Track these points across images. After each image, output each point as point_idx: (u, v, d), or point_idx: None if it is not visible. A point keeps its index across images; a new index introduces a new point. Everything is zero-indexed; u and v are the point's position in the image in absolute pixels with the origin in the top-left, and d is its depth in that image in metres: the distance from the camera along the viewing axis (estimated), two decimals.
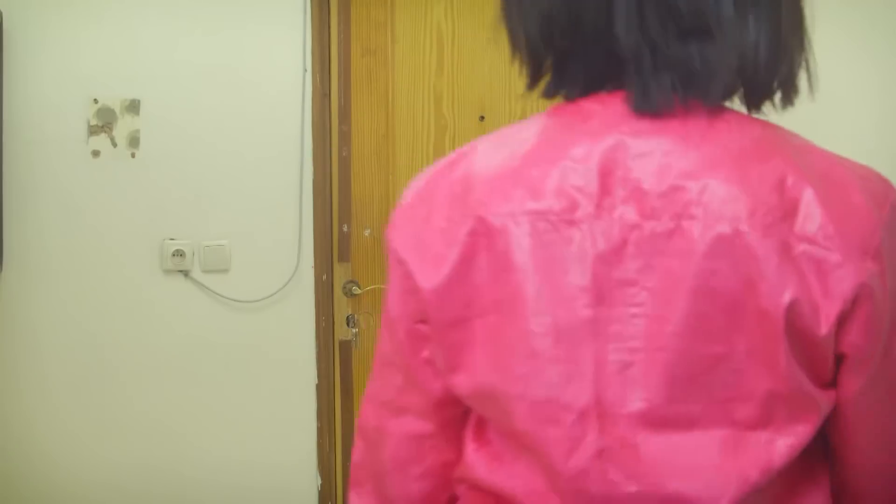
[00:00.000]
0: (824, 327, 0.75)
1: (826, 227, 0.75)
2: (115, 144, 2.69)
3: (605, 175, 0.79)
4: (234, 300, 2.82)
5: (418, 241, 0.85)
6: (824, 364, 0.78)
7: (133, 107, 2.70)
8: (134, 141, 2.71)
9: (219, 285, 2.81)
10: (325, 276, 2.90)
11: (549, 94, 0.87)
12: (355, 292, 2.93)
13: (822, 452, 0.85)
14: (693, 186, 0.77)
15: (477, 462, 0.88)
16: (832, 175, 0.79)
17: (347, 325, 2.95)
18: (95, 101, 2.67)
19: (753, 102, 0.84)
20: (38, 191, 2.64)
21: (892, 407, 0.81)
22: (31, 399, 2.67)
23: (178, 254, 2.75)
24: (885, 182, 0.80)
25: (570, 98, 0.85)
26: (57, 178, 2.66)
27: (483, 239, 0.81)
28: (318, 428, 2.93)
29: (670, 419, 0.78)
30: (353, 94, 2.94)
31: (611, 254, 0.77)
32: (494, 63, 3.03)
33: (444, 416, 0.92)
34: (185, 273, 2.78)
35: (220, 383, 2.82)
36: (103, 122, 2.67)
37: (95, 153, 2.68)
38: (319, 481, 2.93)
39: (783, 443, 0.78)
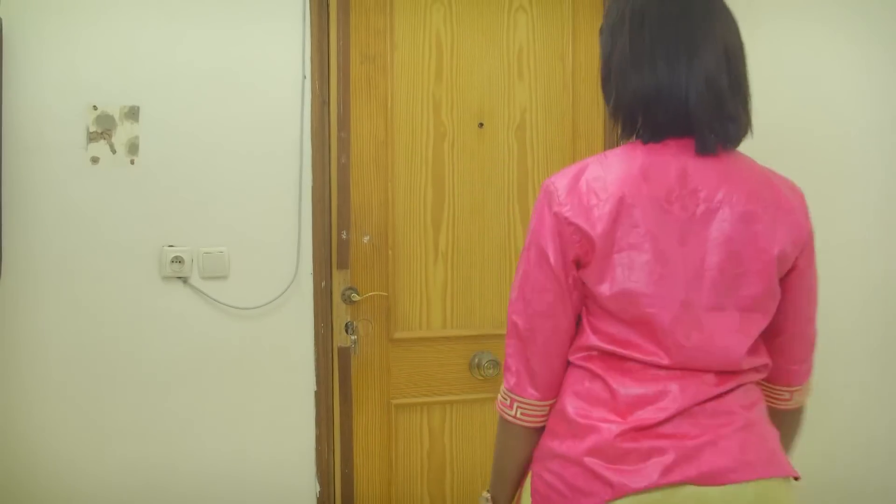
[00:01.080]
0: (794, 254, 1.56)
1: (794, 204, 1.56)
2: (114, 151, 2.69)
3: (681, 178, 1.51)
4: (233, 307, 2.82)
5: (581, 212, 1.51)
6: (781, 274, 1.56)
7: (132, 113, 2.70)
8: (133, 147, 2.71)
9: (218, 292, 2.81)
10: (323, 283, 2.90)
11: (644, 140, 1.57)
12: (354, 299, 2.93)
13: None
14: (726, 188, 1.51)
15: (599, 341, 1.55)
16: (783, 180, 1.61)
17: (346, 331, 2.95)
18: (95, 107, 2.67)
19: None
20: (37, 197, 2.63)
21: (807, 298, 1.65)
22: (30, 405, 2.66)
23: (177, 260, 2.74)
24: (795, 184, 1.64)
25: (657, 141, 1.55)
26: (56, 184, 2.65)
27: (623, 209, 1.49)
28: (316, 435, 2.92)
29: (716, 306, 1.51)
30: (353, 100, 2.94)
31: (687, 219, 1.50)
32: (493, 70, 3.04)
33: (573, 318, 1.59)
34: (184, 280, 2.77)
35: (218, 390, 2.82)
36: (102, 129, 2.67)
37: (94, 160, 2.67)
38: (318, 488, 2.93)
39: (766, 318, 1.57)
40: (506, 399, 1.65)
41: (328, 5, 2.90)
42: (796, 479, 1.56)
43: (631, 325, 1.53)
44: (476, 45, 3.05)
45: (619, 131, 1.62)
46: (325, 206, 2.89)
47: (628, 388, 1.51)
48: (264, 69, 2.84)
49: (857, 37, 3.06)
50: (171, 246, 2.75)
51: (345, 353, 2.94)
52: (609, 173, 1.54)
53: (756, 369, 1.60)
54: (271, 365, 2.87)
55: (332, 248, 2.92)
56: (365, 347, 2.98)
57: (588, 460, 1.49)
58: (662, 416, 1.48)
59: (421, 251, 3.02)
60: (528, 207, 3.12)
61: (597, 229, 1.50)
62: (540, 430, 1.63)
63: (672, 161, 1.53)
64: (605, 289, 1.52)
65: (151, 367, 2.76)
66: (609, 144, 3.18)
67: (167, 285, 2.76)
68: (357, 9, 2.95)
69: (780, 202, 1.54)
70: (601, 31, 1.67)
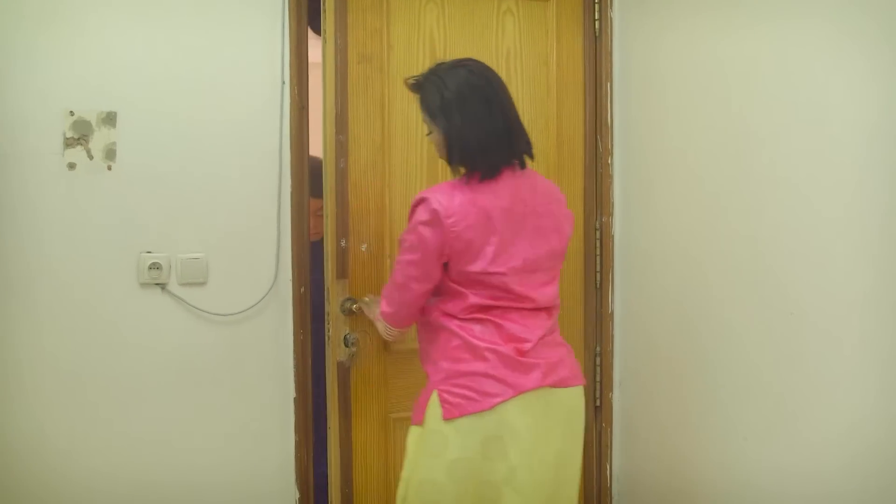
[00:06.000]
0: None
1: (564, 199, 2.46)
2: (91, 157, 2.69)
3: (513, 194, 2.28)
4: (212, 313, 2.79)
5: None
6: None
7: (109, 119, 2.71)
8: (110, 153, 2.71)
9: (196, 298, 2.78)
10: (302, 289, 2.83)
11: (482, 179, 2.25)
12: (353, 310, 2.83)
13: None
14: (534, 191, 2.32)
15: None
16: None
17: (346, 344, 2.85)
18: (71, 113, 2.68)
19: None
20: (13, 204, 2.65)
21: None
22: (6, 412, 2.67)
23: (155, 266, 2.73)
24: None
25: (489, 178, 2.26)
26: (32, 190, 2.66)
27: (484, 216, 2.22)
28: (296, 441, 2.89)
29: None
30: (350, 102, 2.86)
31: (530, 216, 2.29)
32: None
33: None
34: (162, 286, 2.76)
35: (197, 397, 2.80)
36: (79, 135, 2.69)
37: (71, 166, 2.68)
38: (297, 494, 2.90)
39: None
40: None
41: (325, 4, 2.83)
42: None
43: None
44: (468, 46, 2.95)
45: (461, 171, 2.29)
46: (304, 211, 2.84)
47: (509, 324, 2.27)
48: (243, 75, 2.81)
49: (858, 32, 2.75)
50: (149, 252, 2.74)
51: (343, 368, 2.85)
52: (445, 200, 2.23)
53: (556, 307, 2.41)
54: (250, 371, 2.84)
55: (331, 258, 2.81)
56: (365, 360, 2.89)
57: (493, 371, 2.20)
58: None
59: None
60: None
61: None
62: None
63: (496, 187, 2.26)
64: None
65: (129, 375, 2.75)
66: (589, 152, 3.14)
67: (145, 292, 2.76)
68: (354, 8, 2.87)
69: (557, 196, 2.42)
70: (434, 110, 2.29)
